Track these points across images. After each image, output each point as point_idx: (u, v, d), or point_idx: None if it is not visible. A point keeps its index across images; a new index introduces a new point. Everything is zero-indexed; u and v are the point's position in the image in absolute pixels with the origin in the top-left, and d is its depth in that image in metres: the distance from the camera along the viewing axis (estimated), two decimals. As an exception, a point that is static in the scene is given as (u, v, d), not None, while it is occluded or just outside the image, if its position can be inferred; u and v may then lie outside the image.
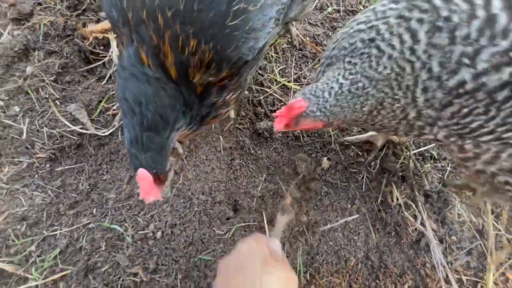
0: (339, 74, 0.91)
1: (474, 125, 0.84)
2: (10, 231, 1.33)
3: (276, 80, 1.81)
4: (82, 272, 1.26)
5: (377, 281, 1.35)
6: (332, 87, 0.90)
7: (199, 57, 0.91)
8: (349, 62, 0.91)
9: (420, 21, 0.83)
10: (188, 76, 0.95)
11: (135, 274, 1.26)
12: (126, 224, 1.37)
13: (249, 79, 1.18)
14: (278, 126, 0.93)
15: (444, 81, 0.82)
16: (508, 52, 0.75)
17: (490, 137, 0.84)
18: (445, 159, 1.67)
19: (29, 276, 1.26)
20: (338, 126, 0.99)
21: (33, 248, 1.31)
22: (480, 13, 0.78)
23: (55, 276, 1.25)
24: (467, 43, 0.78)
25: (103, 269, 1.27)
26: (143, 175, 0.84)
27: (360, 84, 0.87)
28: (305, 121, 0.92)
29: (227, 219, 1.42)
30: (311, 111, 0.90)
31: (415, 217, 1.47)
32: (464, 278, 1.38)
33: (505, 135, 0.82)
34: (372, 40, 0.89)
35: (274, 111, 1.69)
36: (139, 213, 1.42)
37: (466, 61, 0.78)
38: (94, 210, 1.42)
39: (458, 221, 1.50)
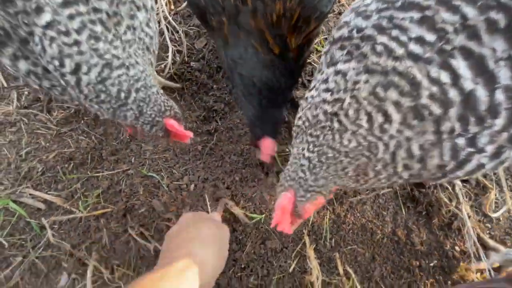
0: (303, 149, 0.82)
1: None
2: (59, 169, 1.44)
3: (316, 49, 1.76)
4: (121, 212, 1.36)
5: (401, 256, 1.34)
6: (302, 165, 0.81)
7: (289, 19, 0.97)
8: (311, 135, 0.81)
9: (397, 104, 0.69)
10: (288, 46, 1.06)
11: (169, 219, 1.34)
12: (162, 174, 1.45)
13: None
14: (287, 230, 0.87)
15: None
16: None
17: None
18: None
19: (74, 209, 1.38)
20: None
21: (78, 185, 1.42)
22: (453, 94, 0.64)
23: (97, 212, 1.36)
24: (455, 136, 0.68)
25: (140, 211, 1.36)
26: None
27: (329, 155, 0.78)
28: (305, 208, 0.85)
29: (258, 180, 1.45)
30: (300, 196, 0.83)
31: (449, 199, 1.43)
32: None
33: None
34: (335, 114, 0.77)
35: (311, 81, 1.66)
36: (174, 165, 1.49)
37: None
38: (133, 159, 1.50)
39: (493, 210, 1.45)
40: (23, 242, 1.36)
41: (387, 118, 0.70)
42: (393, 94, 0.68)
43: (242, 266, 1.27)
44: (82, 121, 1.57)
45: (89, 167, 1.46)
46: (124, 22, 0.94)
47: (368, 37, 0.74)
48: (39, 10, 0.81)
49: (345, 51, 0.77)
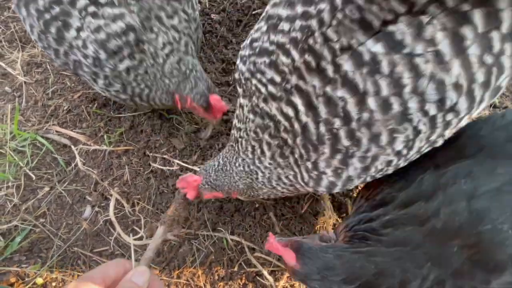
0: (222, 153, 1.04)
1: None
2: (83, 108, 1.50)
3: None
4: (142, 150, 1.41)
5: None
6: (214, 164, 1.04)
7: None
8: (229, 146, 1.02)
9: (268, 144, 0.88)
10: None
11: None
12: (181, 119, 1.49)
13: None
14: (189, 195, 1.06)
15: None
16: None
17: None
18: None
19: (98, 147, 1.44)
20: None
21: (102, 124, 1.47)
22: (297, 126, 0.78)
23: (120, 148, 1.42)
24: (305, 160, 0.84)
25: (161, 150, 1.41)
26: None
27: (227, 168, 1.01)
28: (204, 192, 1.07)
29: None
30: (202, 184, 1.04)
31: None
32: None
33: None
34: (237, 140, 0.96)
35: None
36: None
37: None
38: (153, 104, 1.54)
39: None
40: (49, 176, 1.44)
41: (262, 152, 0.88)
42: (265, 136, 0.85)
43: (257, 205, 1.32)
44: (105, 66, 1.61)
45: (111, 108, 1.51)
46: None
47: (246, 79, 0.85)
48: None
49: (240, 89, 0.91)
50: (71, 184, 1.42)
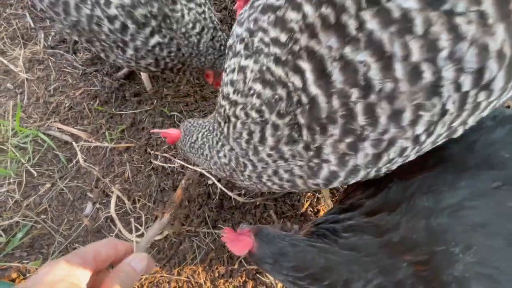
0: (207, 126, 0.92)
1: None
2: (85, 105, 1.50)
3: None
4: (143, 148, 1.42)
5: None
6: (192, 137, 0.96)
7: None
8: (217, 124, 0.86)
9: (275, 128, 0.69)
10: None
11: (189, 156, 1.40)
12: (184, 114, 1.49)
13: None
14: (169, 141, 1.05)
15: None
16: None
17: None
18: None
19: (100, 144, 1.44)
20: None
21: (103, 121, 1.48)
22: (305, 101, 0.62)
23: (121, 145, 1.42)
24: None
25: (162, 148, 1.42)
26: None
27: (206, 152, 0.89)
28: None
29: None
30: (180, 145, 1.02)
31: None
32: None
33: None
34: (229, 119, 0.78)
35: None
36: (194, 110, 1.53)
37: None
38: (155, 101, 1.54)
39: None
40: (50, 173, 1.44)
41: (262, 139, 0.70)
42: (273, 116, 0.67)
43: (257, 203, 1.33)
44: (107, 63, 1.61)
45: (113, 105, 1.52)
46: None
47: (242, 40, 0.73)
48: None
49: (241, 47, 0.74)
50: (73, 181, 1.42)
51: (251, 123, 0.70)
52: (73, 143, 1.42)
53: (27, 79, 1.58)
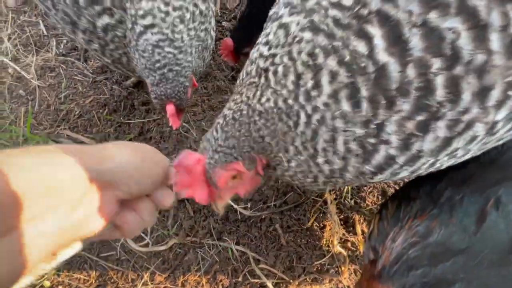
0: (225, 108, 0.72)
1: None
2: (94, 113, 1.52)
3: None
4: (150, 157, 1.43)
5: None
6: (218, 122, 0.70)
7: None
8: (238, 92, 0.71)
9: (333, 75, 0.57)
10: None
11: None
12: (191, 124, 1.50)
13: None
14: (200, 199, 0.69)
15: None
16: None
17: None
18: None
19: (107, 152, 1.46)
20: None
21: (111, 130, 1.49)
22: (371, 70, 0.54)
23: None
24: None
25: (169, 157, 1.42)
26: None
27: (244, 112, 0.66)
28: (215, 172, 0.67)
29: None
30: (209, 158, 0.67)
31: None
32: None
33: None
34: (266, 70, 0.65)
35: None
36: (201, 119, 1.54)
37: None
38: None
39: None
40: (59, 179, 1.46)
41: (317, 86, 0.58)
42: (330, 61, 0.56)
43: (263, 217, 1.32)
44: (116, 72, 1.63)
45: (121, 114, 1.53)
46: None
47: (288, 3, 0.65)
48: None
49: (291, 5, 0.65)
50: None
51: (300, 65, 0.59)
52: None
53: (38, 86, 1.61)
